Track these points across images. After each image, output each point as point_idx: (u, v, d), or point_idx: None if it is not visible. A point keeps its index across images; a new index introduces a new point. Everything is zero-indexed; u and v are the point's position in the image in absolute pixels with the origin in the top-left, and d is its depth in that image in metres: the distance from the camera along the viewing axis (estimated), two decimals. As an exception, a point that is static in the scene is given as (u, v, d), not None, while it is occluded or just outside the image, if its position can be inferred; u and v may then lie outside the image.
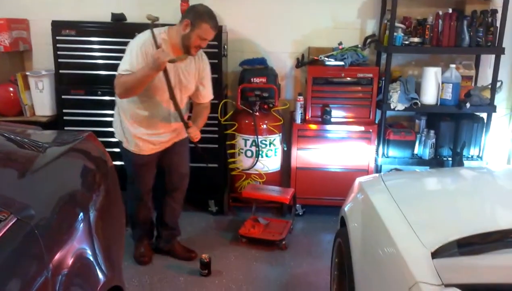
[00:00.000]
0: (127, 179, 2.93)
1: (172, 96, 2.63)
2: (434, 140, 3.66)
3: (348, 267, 1.97)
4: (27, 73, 3.57)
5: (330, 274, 2.48)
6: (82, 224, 1.55)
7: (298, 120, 3.62)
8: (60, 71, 3.50)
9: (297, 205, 3.69)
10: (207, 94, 2.90)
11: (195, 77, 2.80)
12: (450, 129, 3.67)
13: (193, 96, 2.89)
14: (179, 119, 2.72)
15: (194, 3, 2.84)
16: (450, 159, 3.66)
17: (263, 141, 3.61)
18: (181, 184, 3.01)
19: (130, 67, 2.57)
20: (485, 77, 3.82)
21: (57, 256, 1.33)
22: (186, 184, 3.04)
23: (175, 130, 2.85)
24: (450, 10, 3.48)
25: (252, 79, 3.57)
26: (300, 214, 3.76)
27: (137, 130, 2.76)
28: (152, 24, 2.56)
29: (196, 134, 2.74)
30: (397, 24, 3.50)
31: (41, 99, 3.56)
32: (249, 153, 3.64)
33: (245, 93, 3.58)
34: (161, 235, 3.13)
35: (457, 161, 3.55)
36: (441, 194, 2.24)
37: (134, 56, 2.58)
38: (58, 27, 3.42)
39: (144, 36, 2.64)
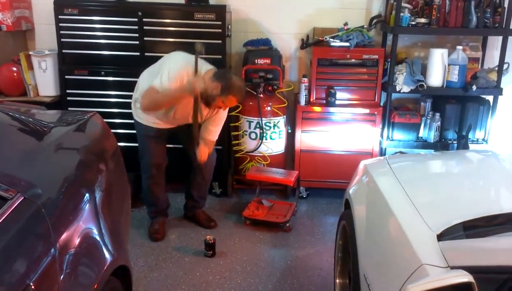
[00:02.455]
0: (138, 153, 3.05)
1: (195, 120, 2.75)
2: (439, 123, 3.63)
3: (352, 249, 1.98)
4: (30, 53, 3.54)
5: (334, 256, 2.49)
6: (88, 204, 1.56)
7: (303, 102, 3.59)
8: (63, 51, 3.47)
9: (301, 188, 3.69)
10: (212, 132, 2.94)
11: (205, 112, 2.86)
12: (456, 112, 3.64)
13: (202, 129, 2.93)
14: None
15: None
16: (455, 142, 3.64)
17: (267, 124, 3.60)
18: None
19: (163, 85, 2.65)
20: (492, 59, 3.78)
21: (64, 236, 1.34)
22: (211, 161, 3.08)
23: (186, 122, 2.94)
24: (458, -9, 3.42)
25: (256, 60, 3.54)
26: (304, 196, 3.77)
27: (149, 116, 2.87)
28: (197, 53, 2.67)
29: (204, 154, 2.86)
30: (403, 4, 3.45)
31: (44, 79, 3.54)
32: (253, 135, 3.63)
33: (249, 75, 3.55)
34: (187, 203, 3.34)
35: (463, 144, 3.53)
36: (446, 176, 2.24)
37: (172, 76, 2.66)
38: (60, 6, 3.38)
39: (185, 59, 2.73)
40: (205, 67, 2.78)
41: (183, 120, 2.91)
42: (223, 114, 2.94)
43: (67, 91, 3.54)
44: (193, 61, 2.69)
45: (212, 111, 2.86)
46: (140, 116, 2.95)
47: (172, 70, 2.69)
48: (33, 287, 1.14)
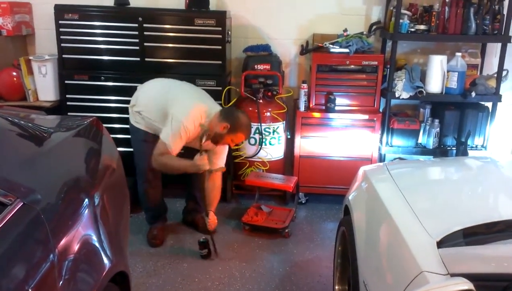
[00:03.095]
0: (134, 158, 3.05)
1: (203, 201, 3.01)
2: (438, 129, 3.64)
3: (351, 256, 1.98)
4: (30, 57, 3.55)
5: (333, 262, 2.48)
6: (87, 210, 1.56)
7: (302, 108, 3.60)
8: (63, 56, 3.47)
9: (300, 193, 3.69)
10: (218, 162, 3.00)
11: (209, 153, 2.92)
12: (455, 119, 3.65)
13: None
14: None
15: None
16: (454, 148, 3.65)
17: (267, 129, 3.60)
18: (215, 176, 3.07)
19: (176, 146, 2.74)
20: (491, 66, 3.79)
21: (63, 241, 1.33)
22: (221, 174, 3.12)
23: None
24: (457, -2, 3.44)
25: (256, 66, 3.55)
26: (303, 202, 3.76)
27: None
28: (203, 133, 2.75)
29: (214, 223, 2.96)
30: (403, 11, 3.46)
31: (44, 84, 3.55)
32: (252, 141, 3.64)
33: (249, 80, 3.55)
34: (187, 206, 3.35)
35: (461, 151, 3.54)
36: (446, 183, 2.24)
37: (183, 137, 2.74)
38: (61, 11, 3.39)
39: (193, 116, 2.75)
40: (214, 111, 2.82)
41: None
42: (224, 147, 2.98)
43: (67, 96, 3.54)
44: (200, 98, 2.86)
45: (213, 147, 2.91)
46: (139, 121, 2.95)
47: (178, 124, 2.70)
48: (31, 293, 1.13)
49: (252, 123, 3.56)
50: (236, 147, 3.53)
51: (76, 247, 1.39)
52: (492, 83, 3.56)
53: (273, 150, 3.67)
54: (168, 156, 2.73)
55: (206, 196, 3.00)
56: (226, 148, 3.01)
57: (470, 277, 1.23)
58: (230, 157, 3.72)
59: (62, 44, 3.45)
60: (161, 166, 2.78)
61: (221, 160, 3.00)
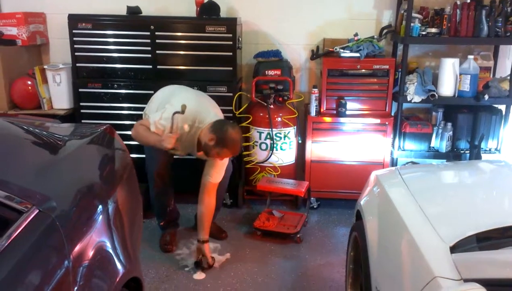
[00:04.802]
0: (145, 164, 3.07)
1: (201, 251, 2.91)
2: (451, 133, 3.61)
3: (364, 261, 1.97)
4: (45, 66, 3.61)
5: (345, 268, 2.47)
6: (101, 216, 1.58)
7: (313, 113, 3.60)
8: (77, 64, 3.53)
9: (312, 198, 3.68)
10: (213, 174, 2.90)
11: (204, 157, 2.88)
12: (468, 122, 3.62)
13: (203, 173, 2.92)
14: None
15: None
16: (467, 152, 3.61)
17: (278, 134, 3.61)
18: (207, 191, 3.03)
19: (157, 127, 2.74)
20: (504, 68, 3.76)
21: (77, 248, 1.36)
22: (227, 173, 3.08)
23: None
24: (468, 0, 3.41)
25: (266, 71, 3.56)
26: (315, 207, 3.76)
27: None
28: (178, 112, 2.67)
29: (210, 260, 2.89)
30: (414, 15, 3.45)
31: (58, 92, 3.61)
32: (263, 146, 3.64)
33: (260, 86, 3.57)
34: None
35: (475, 154, 3.50)
36: (459, 187, 2.22)
37: (166, 126, 2.71)
38: (74, 20, 3.45)
39: (186, 115, 2.72)
40: (210, 119, 2.77)
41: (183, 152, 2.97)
42: (223, 161, 2.88)
43: (81, 104, 3.59)
44: (201, 103, 2.82)
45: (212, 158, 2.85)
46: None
47: (169, 114, 2.70)
48: (47, 299, 1.15)
49: (263, 129, 3.60)
50: (247, 125, 3.57)
51: (90, 253, 1.41)
52: (505, 85, 3.53)
53: (284, 155, 3.68)
54: (144, 128, 2.77)
55: (198, 219, 2.94)
56: (225, 162, 2.92)
57: (483, 282, 1.22)
58: (242, 163, 3.75)
59: (76, 53, 3.51)
60: (135, 134, 2.80)
61: (218, 173, 2.91)
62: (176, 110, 2.67)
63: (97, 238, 1.49)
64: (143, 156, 3.24)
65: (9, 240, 1.14)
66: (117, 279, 1.54)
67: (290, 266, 3.00)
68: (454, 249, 1.44)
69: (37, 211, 1.26)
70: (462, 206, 1.85)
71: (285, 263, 3.03)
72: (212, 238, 3.23)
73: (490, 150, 3.65)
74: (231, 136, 2.69)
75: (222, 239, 3.25)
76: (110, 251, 1.55)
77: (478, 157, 3.49)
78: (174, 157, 3.10)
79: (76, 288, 1.29)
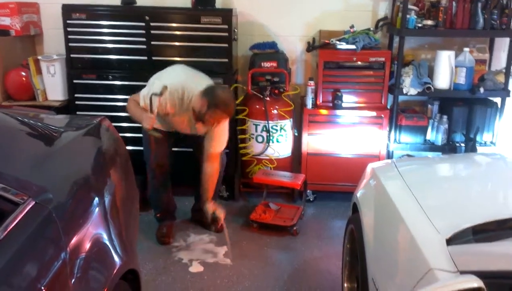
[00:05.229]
0: (144, 154, 3.08)
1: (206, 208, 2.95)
2: (446, 125, 3.62)
3: (360, 253, 1.98)
4: (39, 57, 3.57)
5: (342, 260, 2.49)
6: (97, 208, 1.57)
7: (309, 105, 3.59)
8: (71, 55, 3.50)
9: (308, 191, 3.69)
10: (213, 145, 2.89)
11: (202, 129, 2.86)
12: (463, 115, 3.63)
13: (205, 144, 2.92)
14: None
15: None
16: (463, 144, 3.63)
17: (274, 127, 3.60)
18: (210, 160, 3.04)
19: (144, 100, 2.77)
20: (499, 61, 3.76)
21: (74, 240, 1.35)
22: (221, 164, 3.10)
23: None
24: (465, -7, 3.41)
25: (262, 63, 3.55)
26: (311, 200, 3.76)
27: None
28: (160, 93, 2.69)
29: (221, 218, 2.93)
30: (410, 7, 3.44)
31: (53, 83, 3.57)
32: (260, 138, 3.64)
33: (256, 78, 3.55)
34: (195, 204, 3.34)
35: (470, 147, 3.52)
36: (455, 180, 2.23)
37: (149, 94, 2.73)
38: (68, 11, 3.41)
39: (178, 79, 2.79)
40: (200, 88, 2.74)
41: (183, 131, 2.95)
42: (222, 128, 2.88)
43: (75, 95, 3.57)
44: (189, 81, 2.79)
45: (208, 128, 2.84)
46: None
47: (156, 89, 2.71)
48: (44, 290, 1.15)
49: (259, 121, 3.59)
50: (243, 117, 3.55)
51: (87, 245, 1.40)
52: (501, 78, 3.54)
53: (281, 148, 3.67)
54: (135, 103, 2.81)
55: (201, 187, 2.95)
56: (222, 132, 2.89)
57: (480, 274, 1.23)
58: (238, 155, 3.74)
59: (70, 44, 3.47)
60: (128, 108, 2.88)
61: (218, 143, 2.90)
62: (154, 92, 2.69)
63: (94, 230, 1.48)
64: (139, 148, 3.23)
65: (5, 232, 1.13)
66: (114, 271, 1.53)
67: (287, 258, 3.01)
68: (450, 241, 1.45)
69: (34, 202, 1.25)
70: (458, 198, 1.86)
71: (281, 256, 3.04)
72: (209, 231, 3.24)
73: (485, 142, 3.66)
74: (222, 96, 2.68)
75: (218, 231, 3.25)
76: (107, 243, 1.54)
77: (474, 150, 3.50)
78: (173, 149, 3.10)
79: (73, 280, 1.29)
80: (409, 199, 1.78)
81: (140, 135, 3.17)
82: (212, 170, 2.94)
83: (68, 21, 3.42)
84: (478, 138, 3.57)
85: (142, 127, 3.00)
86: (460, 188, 2.01)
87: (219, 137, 2.90)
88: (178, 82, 2.77)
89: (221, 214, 2.92)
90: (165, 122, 2.91)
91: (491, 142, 3.67)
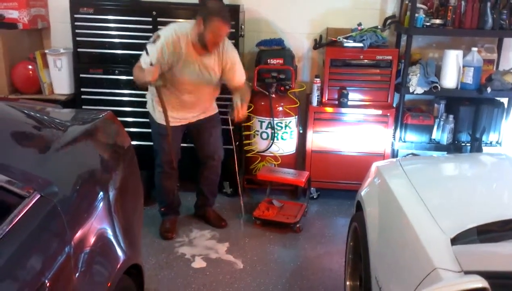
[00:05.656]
0: (153, 149, 3.08)
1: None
2: (452, 125, 3.60)
3: (363, 251, 1.97)
4: (46, 51, 3.58)
5: (345, 258, 2.48)
6: (102, 202, 1.58)
7: (315, 102, 3.58)
8: (78, 49, 3.50)
9: (312, 188, 3.68)
10: (235, 77, 2.91)
11: (215, 68, 2.84)
12: (470, 114, 3.60)
13: (226, 81, 2.94)
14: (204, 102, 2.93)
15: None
16: (468, 144, 3.61)
17: (279, 124, 3.60)
18: (210, 157, 3.15)
19: (143, 60, 2.76)
20: (508, 61, 3.74)
21: (78, 234, 1.36)
22: (218, 157, 3.18)
23: (199, 110, 2.98)
24: (474, -8, 3.38)
25: (268, 60, 3.54)
26: (315, 197, 3.76)
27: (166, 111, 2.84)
28: (153, 41, 2.71)
29: (243, 111, 2.80)
30: (418, 5, 3.42)
31: (59, 77, 3.58)
32: (264, 135, 3.64)
33: (262, 75, 3.55)
34: (198, 201, 3.37)
35: (476, 147, 3.50)
36: (459, 180, 2.22)
37: (154, 52, 2.71)
38: (76, 5, 3.41)
39: (171, 30, 2.77)
40: (187, 28, 2.76)
41: (196, 83, 2.86)
42: (232, 60, 2.85)
43: (82, 89, 3.57)
44: (179, 24, 2.78)
45: (219, 63, 2.83)
46: (155, 115, 2.96)
47: (150, 45, 2.73)
48: (48, 284, 1.15)
49: (264, 118, 3.59)
50: (248, 114, 3.54)
51: (91, 239, 1.41)
52: (509, 78, 3.50)
53: (285, 145, 3.67)
54: (139, 68, 2.75)
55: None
56: (235, 64, 2.87)
57: (484, 274, 1.22)
58: (242, 151, 3.74)
59: (77, 38, 3.47)
60: (133, 75, 2.81)
61: (238, 75, 2.90)
62: (148, 44, 2.68)
63: (98, 224, 1.48)
64: (145, 142, 3.24)
65: (11, 225, 1.14)
66: (118, 266, 1.54)
67: (289, 255, 3.01)
68: (454, 241, 1.44)
69: (39, 196, 1.26)
70: (463, 198, 1.86)
71: (284, 253, 3.04)
72: (211, 227, 3.25)
73: (491, 143, 3.64)
74: (213, 5, 2.72)
75: (221, 227, 3.26)
76: (111, 237, 1.55)
77: (479, 150, 3.48)
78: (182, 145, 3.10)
79: (77, 274, 1.30)
80: (414, 198, 1.78)
81: (145, 130, 3.19)
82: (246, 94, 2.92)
83: (75, 15, 3.42)
84: (484, 138, 3.55)
85: (152, 124, 2.99)
86: (465, 187, 2.00)
87: (234, 70, 2.88)
88: (169, 28, 2.78)
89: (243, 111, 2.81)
90: (174, 93, 2.85)
91: (497, 143, 3.64)
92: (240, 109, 2.78)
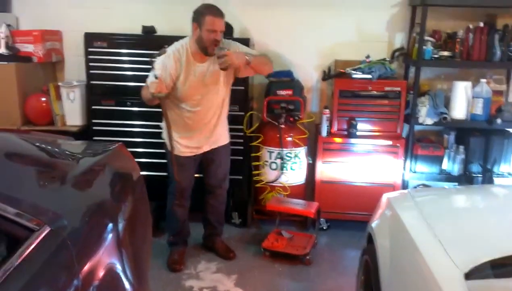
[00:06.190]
0: (168, 176, 3.11)
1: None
2: (463, 156, 3.57)
3: (375, 286, 1.93)
4: (59, 83, 3.66)
5: (356, 291, 2.43)
6: (111, 234, 1.57)
7: (324, 133, 3.59)
8: (91, 82, 3.58)
9: (322, 219, 3.65)
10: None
11: (220, 72, 2.86)
12: (480, 145, 3.58)
13: (244, 73, 2.98)
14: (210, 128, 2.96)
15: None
16: (480, 175, 3.57)
17: (288, 154, 3.60)
18: (218, 186, 3.18)
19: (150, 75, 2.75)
20: (517, 92, 3.73)
21: (87, 267, 1.35)
22: (225, 186, 3.23)
23: (206, 138, 3.01)
24: (481, 24, 3.42)
25: (278, 91, 3.57)
26: (324, 228, 3.72)
27: (171, 131, 2.88)
28: (158, 54, 2.73)
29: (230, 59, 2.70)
30: (426, 38, 3.46)
31: (72, 109, 3.64)
32: (273, 165, 3.63)
33: (271, 106, 3.58)
34: (205, 231, 3.36)
35: (487, 178, 3.46)
36: (472, 212, 2.18)
37: (158, 66, 2.74)
38: (90, 39, 3.51)
39: (172, 48, 2.87)
40: (185, 41, 2.87)
41: (203, 109, 2.91)
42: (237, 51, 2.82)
43: (93, 121, 3.63)
44: (180, 43, 2.86)
45: (230, 72, 2.87)
46: (170, 144, 2.96)
47: (159, 62, 2.75)
48: (56, 318, 1.14)
49: (273, 148, 3.60)
50: (258, 144, 3.50)
51: (99, 272, 1.40)
52: (519, 109, 3.49)
53: (294, 175, 3.66)
54: (146, 88, 2.77)
55: None
56: (238, 47, 2.89)
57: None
58: (251, 182, 3.73)
59: (91, 71, 3.55)
60: (141, 95, 2.86)
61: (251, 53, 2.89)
62: (155, 54, 2.71)
63: (106, 258, 1.48)
64: (154, 173, 3.25)
65: (20, 259, 1.14)
66: (126, 299, 1.52)
67: (299, 288, 2.96)
68: (468, 276, 1.41)
69: (49, 229, 1.26)
70: (476, 231, 1.82)
71: (294, 286, 2.99)
72: (220, 258, 3.21)
73: (502, 174, 3.60)
74: (201, 7, 2.80)
75: (230, 259, 3.22)
76: (120, 270, 1.54)
77: (491, 181, 3.44)
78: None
79: (85, 307, 1.28)
80: (426, 231, 1.75)
81: (155, 160, 3.21)
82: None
83: (89, 49, 3.51)
84: (495, 169, 3.52)
85: (167, 153, 3.00)
86: (478, 220, 1.96)
87: (240, 57, 2.78)
88: (173, 45, 2.88)
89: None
90: (181, 113, 2.90)
91: (509, 174, 3.60)
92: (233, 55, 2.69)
